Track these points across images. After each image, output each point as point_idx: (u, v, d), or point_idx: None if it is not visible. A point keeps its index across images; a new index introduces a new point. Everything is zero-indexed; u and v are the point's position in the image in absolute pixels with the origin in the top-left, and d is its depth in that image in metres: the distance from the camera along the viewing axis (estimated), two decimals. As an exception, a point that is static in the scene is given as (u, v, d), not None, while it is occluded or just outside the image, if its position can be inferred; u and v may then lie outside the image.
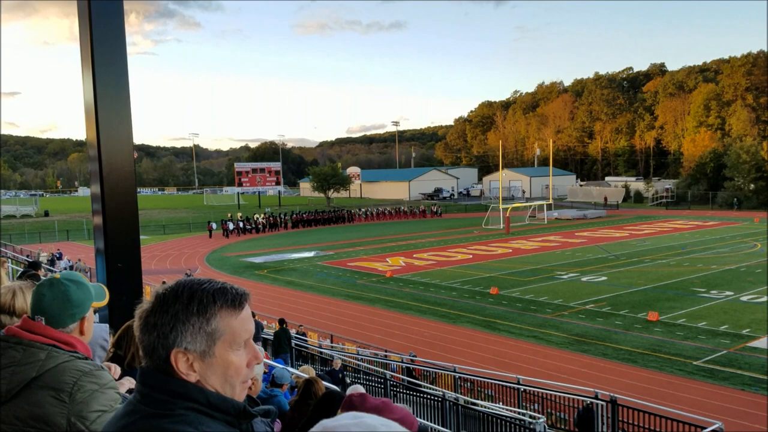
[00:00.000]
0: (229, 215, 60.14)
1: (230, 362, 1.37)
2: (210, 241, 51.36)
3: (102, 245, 3.96)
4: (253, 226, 58.70)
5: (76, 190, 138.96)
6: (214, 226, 56.04)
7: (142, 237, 48.09)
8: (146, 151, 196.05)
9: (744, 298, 24.42)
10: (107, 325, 3.04)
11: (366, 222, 66.67)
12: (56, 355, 2.02)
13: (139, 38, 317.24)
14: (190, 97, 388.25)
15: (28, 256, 32.08)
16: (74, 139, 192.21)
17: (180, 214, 75.59)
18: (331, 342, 20.33)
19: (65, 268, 32.03)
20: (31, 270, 6.48)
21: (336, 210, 68.91)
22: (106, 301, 2.39)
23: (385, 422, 1.14)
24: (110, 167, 3.91)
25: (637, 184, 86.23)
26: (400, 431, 1.14)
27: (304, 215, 64.66)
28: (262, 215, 62.01)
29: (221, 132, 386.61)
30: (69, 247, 46.12)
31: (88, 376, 2.00)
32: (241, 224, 57.97)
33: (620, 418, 11.63)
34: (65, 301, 2.15)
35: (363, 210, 70.19)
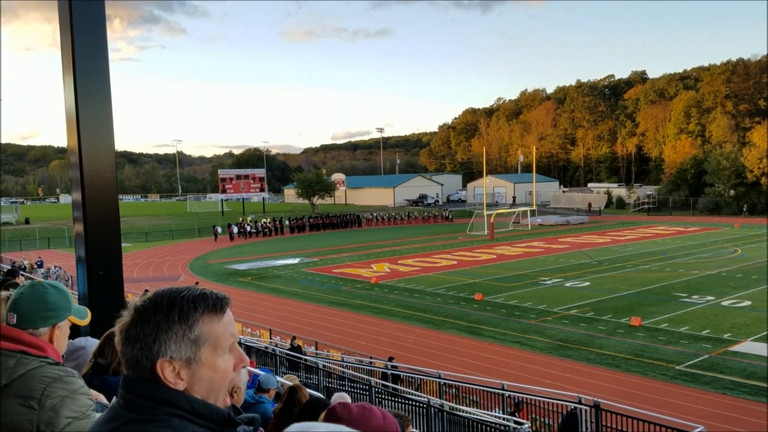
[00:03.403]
0: (240, 219, 62.13)
1: (217, 367, 1.37)
2: (193, 248, 51.05)
3: (83, 253, 3.92)
4: (260, 229, 59.87)
5: (58, 198, 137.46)
6: (219, 230, 57.10)
7: (124, 244, 47.73)
8: (129, 157, 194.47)
9: (725, 303, 24.69)
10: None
11: (376, 226, 67.04)
12: (26, 361, 1.99)
13: (123, 44, 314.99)
14: (174, 103, 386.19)
15: (13, 263, 31.67)
16: (56, 146, 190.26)
17: (163, 221, 75.00)
18: (316, 349, 20.28)
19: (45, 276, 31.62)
20: (10, 278, 6.39)
21: (346, 215, 69.30)
22: (86, 321, 2.37)
23: (336, 429, 1.14)
24: (91, 174, 3.87)
25: (619, 191, 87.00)
26: None
27: (311, 219, 65.71)
28: (269, 219, 63.25)
29: (205, 138, 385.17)
30: (50, 255, 45.57)
31: (58, 382, 1.97)
32: (247, 227, 59.11)
33: (604, 423, 11.68)
34: (41, 302, 2.14)
35: (374, 215, 70.46)
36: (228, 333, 1.40)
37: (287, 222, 63.54)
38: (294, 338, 19.89)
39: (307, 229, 63.66)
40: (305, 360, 16.79)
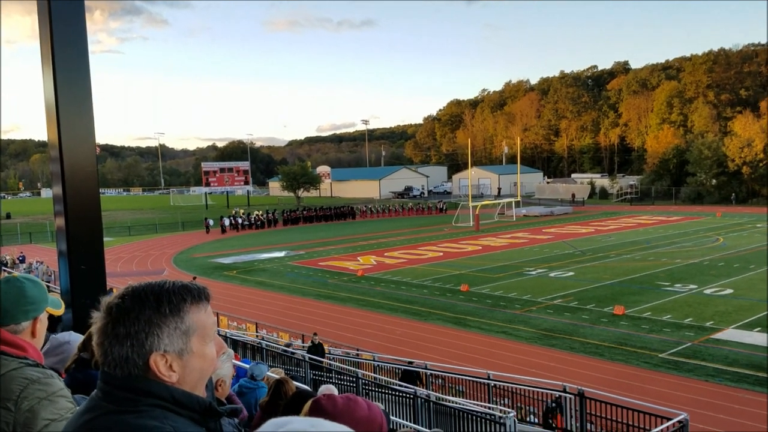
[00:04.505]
0: (233, 211, 62.68)
1: (206, 355, 1.40)
2: (178, 242, 50.73)
3: (65, 247, 3.88)
4: (252, 222, 60.11)
5: (39, 192, 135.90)
6: (211, 222, 57.49)
7: (107, 239, 47.39)
8: (110, 151, 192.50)
9: (707, 291, 24.99)
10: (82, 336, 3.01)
11: (370, 218, 67.11)
12: (5, 363, 1.97)
13: (104, 36, 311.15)
14: (156, 95, 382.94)
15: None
16: (36, 140, 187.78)
17: (146, 215, 74.46)
18: (303, 342, 20.24)
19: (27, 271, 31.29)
20: (-9, 274, 6.31)
21: (340, 207, 69.50)
22: (61, 311, 2.37)
23: (314, 423, 1.15)
24: (72, 168, 3.83)
25: (602, 181, 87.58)
26: (331, 431, 1.14)
27: (305, 212, 65.96)
28: (262, 212, 63.78)
29: (188, 131, 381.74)
30: (32, 250, 45.10)
31: (36, 384, 1.94)
32: (239, 220, 59.36)
33: (588, 411, 11.80)
34: (20, 296, 2.12)
35: (368, 207, 70.61)
36: (211, 321, 1.43)
37: (281, 214, 63.84)
38: (315, 334, 17.68)
39: (301, 222, 63.92)
40: (292, 353, 16.77)
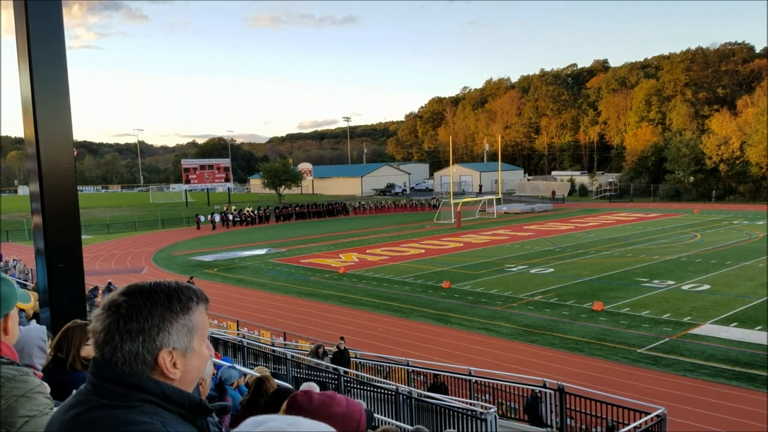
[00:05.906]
0: (225, 207, 63.08)
1: (202, 354, 1.43)
2: (157, 240, 50.30)
3: (42, 245, 3.83)
4: (243, 218, 60.24)
5: (16, 190, 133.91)
6: (202, 218, 57.73)
7: (85, 237, 46.81)
8: (88, 147, 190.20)
9: (685, 287, 25.31)
10: (44, 327, 2.96)
11: (363, 214, 67.31)
12: None
13: (83, 31, 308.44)
14: (135, 91, 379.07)
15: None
16: (12, 137, 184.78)
17: (125, 213, 73.71)
18: (285, 340, 20.20)
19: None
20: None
21: (332, 203, 69.52)
22: (31, 305, 2.33)
23: (293, 421, 1.15)
24: (49, 165, 3.78)
25: (581, 178, 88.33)
26: (310, 431, 1.14)
27: (297, 208, 66.07)
28: (254, 208, 64.14)
29: (167, 128, 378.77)
30: (9, 248, 44.41)
31: (12, 382, 1.93)
32: (230, 216, 59.55)
33: (568, 406, 11.91)
34: None
35: (361, 203, 70.79)
36: (207, 322, 1.47)
37: (273, 211, 64.00)
38: (342, 338, 16.69)
39: (293, 218, 64.19)
40: (273, 351, 16.70)
